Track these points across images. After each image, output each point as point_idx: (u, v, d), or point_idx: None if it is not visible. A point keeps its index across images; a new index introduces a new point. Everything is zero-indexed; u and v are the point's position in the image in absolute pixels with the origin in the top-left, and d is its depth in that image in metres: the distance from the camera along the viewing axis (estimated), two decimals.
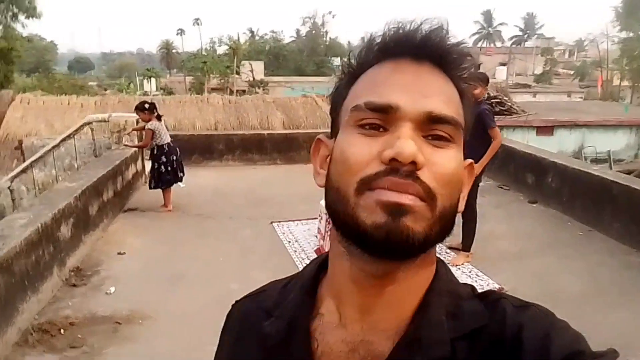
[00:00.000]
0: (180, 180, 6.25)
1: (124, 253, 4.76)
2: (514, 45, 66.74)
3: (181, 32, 60.52)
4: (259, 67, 44.41)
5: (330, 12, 62.12)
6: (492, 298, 0.56)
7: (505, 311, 0.53)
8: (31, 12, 21.87)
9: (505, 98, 14.96)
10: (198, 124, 11.14)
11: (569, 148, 13.85)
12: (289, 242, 5.13)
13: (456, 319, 0.53)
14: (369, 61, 0.56)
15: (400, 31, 0.54)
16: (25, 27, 22.93)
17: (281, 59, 56.37)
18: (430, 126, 0.51)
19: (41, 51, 51.51)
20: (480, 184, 7.49)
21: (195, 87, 40.09)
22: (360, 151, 0.51)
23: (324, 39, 62.85)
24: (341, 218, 0.51)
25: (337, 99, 0.59)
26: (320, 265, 0.62)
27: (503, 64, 47.18)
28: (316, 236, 5.03)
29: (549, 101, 24.35)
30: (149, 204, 6.26)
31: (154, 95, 38.01)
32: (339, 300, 0.57)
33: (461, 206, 0.55)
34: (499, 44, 71.13)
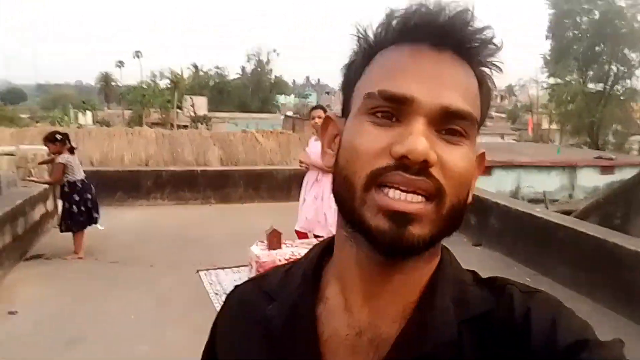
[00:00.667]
0: (95, 222, 5.54)
1: (16, 312, 4.00)
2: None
3: (120, 64, 59.11)
4: (202, 102, 43.71)
5: (274, 50, 62.60)
6: (498, 284, 0.55)
7: (513, 296, 0.52)
8: None
9: None
10: (127, 158, 10.33)
11: (507, 188, 14.06)
12: (216, 293, 4.53)
13: (462, 304, 0.52)
14: (387, 40, 0.53)
15: (421, 12, 0.51)
16: None
17: (225, 94, 55.99)
18: (445, 121, 0.49)
19: None
20: None
21: (134, 120, 38.79)
22: (371, 142, 0.49)
23: (269, 76, 63.22)
24: (347, 209, 0.51)
25: (350, 77, 0.56)
26: (324, 249, 0.61)
27: None
28: None
29: (484, 142, 25.20)
30: (58, 250, 5.49)
31: (88, 127, 36.36)
32: (343, 285, 0.56)
33: (470, 198, 0.54)
34: None
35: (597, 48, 29.17)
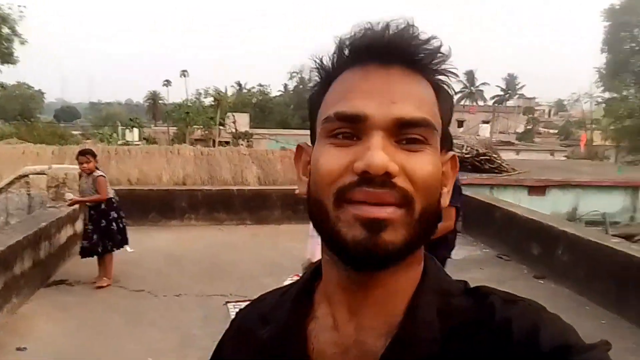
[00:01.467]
0: (127, 243, 5.21)
1: (25, 348, 3.63)
2: (496, 104, 68.09)
3: (167, 83, 60.77)
4: (244, 119, 44.08)
5: None
6: (481, 293, 0.55)
7: (494, 306, 0.52)
8: (6, 59, 21.19)
9: (494, 155, 14.31)
10: (165, 177, 10.13)
11: (563, 209, 13.06)
12: None
13: (446, 317, 0.53)
14: (340, 66, 0.56)
15: (367, 34, 0.54)
16: (0, 72, 22.20)
17: (267, 111, 56.45)
18: (402, 131, 0.51)
19: (26, 99, 50.90)
20: (478, 253, 6.55)
21: (179, 137, 39.49)
22: (333, 162, 0.51)
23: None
24: (323, 231, 0.52)
25: (312, 106, 0.59)
26: (316, 270, 0.62)
27: (486, 122, 47.69)
28: None
29: (534, 159, 23.96)
30: (82, 276, 5.17)
31: (135, 144, 37.27)
32: (331, 303, 0.58)
33: (444, 201, 0.55)
34: (481, 103, 72.70)
35: None
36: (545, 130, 55.24)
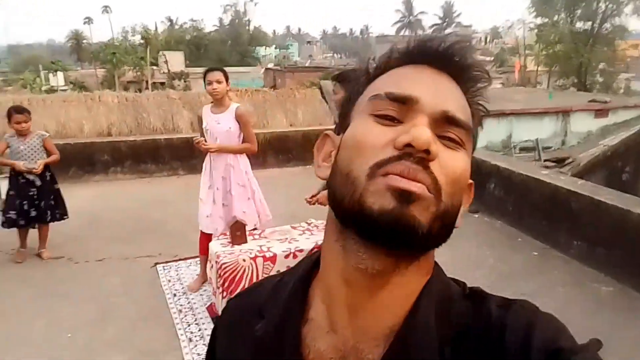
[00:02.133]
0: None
1: None
2: (434, 33, 68.04)
3: (89, 20, 56.16)
4: (179, 58, 41.90)
5: (252, 0, 59.88)
6: (478, 298, 0.55)
7: (490, 312, 0.53)
8: None
9: None
10: (87, 128, 9.38)
11: (498, 138, 13.39)
12: (174, 295, 3.82)
13: (444, 323, 0.52)
14: (390, 64, 0.57)
15: (424, 41, 0.56)
16: None
17: (203, 49, 53.84)
18: (445, 126, 0.51)
19: None
20: None
21: (108, 80, 37.22)
22: (376, 136, 0.51)
23: (247, 27, 60.85)
24: (346, 204, 0.51)
25: (351, 95, 0.59)
26: (315, 262, 0.60)
27: None
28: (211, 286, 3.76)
29: None
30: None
31: (61, 89, 34.83)
32: (329, 301, 0.56)
33: (459, 221, 0.54)
34: (420, 32, 72.54)
35: None
36: (482, 58, 56.13)
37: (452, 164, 0.50)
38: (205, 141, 3.68)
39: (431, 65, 0.54)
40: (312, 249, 3.35)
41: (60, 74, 39.62)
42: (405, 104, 0.51)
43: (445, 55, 0.54)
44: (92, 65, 45.46)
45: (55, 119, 9.33)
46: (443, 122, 0.51)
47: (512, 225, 5.01)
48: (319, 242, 3.48)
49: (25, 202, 4.34)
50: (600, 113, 14.28)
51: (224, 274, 3.15)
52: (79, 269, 4.30)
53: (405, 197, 0.47)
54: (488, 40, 72.14)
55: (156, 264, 4.35)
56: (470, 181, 0.57)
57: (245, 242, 3.41)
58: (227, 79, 3.60)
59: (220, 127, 3.61)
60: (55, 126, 9.26)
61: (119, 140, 7.81)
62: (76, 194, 6.40)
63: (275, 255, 3.26)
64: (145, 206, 5.96)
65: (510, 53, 44.17)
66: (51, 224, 4.53)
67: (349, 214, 0.50)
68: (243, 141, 3.71)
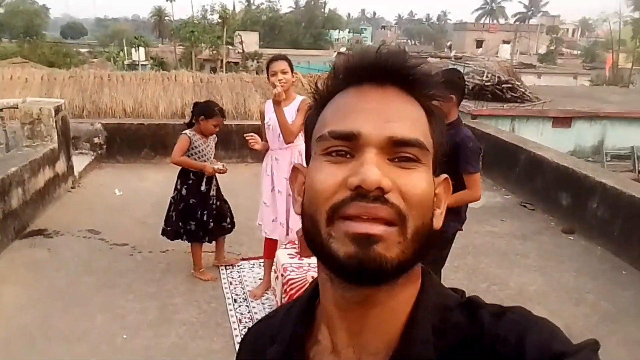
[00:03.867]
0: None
1: None
2: (517, 23, 64.58)
3: None
4: (253, 38, 42.38)
5: None
6: (472, 307, 0.55)
7: (483, 322, 0.53)
8: None
9: (517, 83, 13.28)
10: (162, 107, 9.46)
11: (588, 142, 12.27)
12: (235, 300, 3.58)
13: (442, 334, 0.53)
14: (335, 88, 0.57)
15: (362, 57, 0.56)
16: None
17: (277, 30, 54.20)
18: (395, 149, 0.52)
19: (31, 15, 49.03)
20: (498, 199, 5.95)
21: (186, 57, 38.27)
22: (328, 178, 0.52)
23: (322, 10, 60.47)
24: (317, 247, 0.52)
25: (308, 127, 0.60)
26: (316, 288, 0.61)
27: (506, 42, 45.33)
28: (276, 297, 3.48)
29: (556, 84, 22.64)
30: (63, 225, 4.70)
31: (142, 64, 36.22)
32: (330, 325, 0.57)
33: (437, 223, 0.55)
34: (502, 21, 69.25)
35: None
36: (569, 51, 52.59)
37: (411, 186, 0.51)
38: (262, 139, 3.39)
39: (371, 83, 0.55)
40: None
41: (142, 50, 41.23)
42: (349, 139, 0.52)
43: (385, 69, 0.54)
44: (171, 41, 46.92)
45: (133, 97, 9.48)
46: (392, 147, 0.52)
47: (617, 254, 4.37)
48: None
49: (205, 212, 3.77)
50: None
51: (290, 290, 2.85)
52: (143, 260, 4.16)
53: (366, 241, 0.48)
54: (576, 32, 67.57)
55: (219, 264, 4.13)
56: (444, 176, 0.58)
57: None
58: (292, 68, 3.21)
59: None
60: (132, 104, 9.42)
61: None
62: (147, 176, 6.39)
63: None
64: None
65: (602, 48, 40.97)
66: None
67: (319, 254, 0.52)
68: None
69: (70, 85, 9.56)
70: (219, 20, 40.53)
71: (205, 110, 3.62)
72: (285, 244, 3.29)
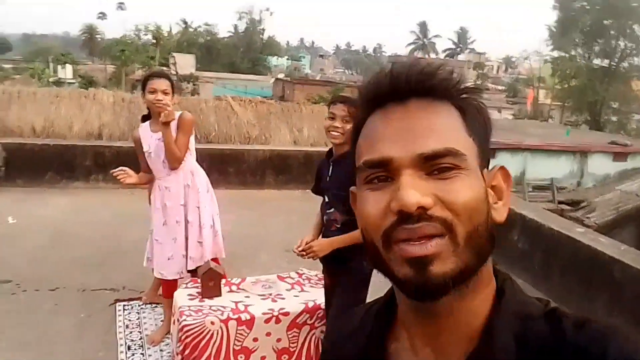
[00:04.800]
0: None
1: None
2: (447, 58, 67.98)
3: (103, 16, 56.03)
4: (189, 60, 41.60)
5: (267, 9, 59.72)
6: (555, 317, 0.55)
7: (565, 332, 0.52)
8: None
9: None
10: (76, 127, 8.77)
11: (511, 173, 12.77)
12: (129, 347, 3.14)
13: (523, 342, 0.52)
14: (365, 113, 0.60)
15: (380, 78, 0.58)
16: None
17: (215, 53, 53.68)
18: (429, 164, 0.53)
19: None
20: None
21: (117, 77, 36.96)
22: (373, 208, 0.54)
23: (261, 36, 60.73)
24: (381, 268, 0.55)
25: (352, 149, 0.62)
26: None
27: None
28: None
29: None
30: None
31: (68, 82, 34.51)
32: (407, 328, 0.60)
33: (499, 216, 0.56)
34: (433, 56, 72.54)
35: (605, 22, 27.71)
36: (494, 86, 55.78)
37: (453, 195, 0.51)
38: (147, 168, 3.04)
39: (393, 102, 0.56)
40: (300, 313, 2.68)
41: (69, 67, 39.50)
42: (383, 166, 0.54)
43: (402, 85, 0.55)
44: (102, 60, 45.20)
45: (44, 115, 8.74)
46: (424, 162, 0.53)
47: (537, 287, 4.33)
48: (310, 304, 2.82)
49: None
50: (619, 156, 13.65)
51: (186, 338, 2.48)
52: (27, 300, 3.63)
53: (421, 263, 0.50)
54: (501, 69, 71.96)
55: (116, 301, 3.68)
56: (500, 165, 0.59)
57: (219, 294, 2.75)
58: (173, 91, 2.91)
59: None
60: (43, 122, 8.68)
61: (103, 144, 7.19)
62: (50, 202, 5.79)
63: (253, 318, 2.60)
64: (123, 222, 5.29)
65: (524, 84, 43.70)
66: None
67: (384, 274, 0.55)
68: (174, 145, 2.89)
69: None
70: (153, 41, 39.61)
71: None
72: (187, 283, 2.92)
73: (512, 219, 4.75)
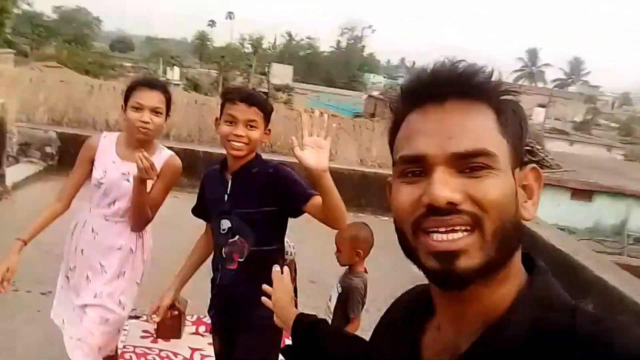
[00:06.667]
0: None
1: None
2: (555, 88, 63.81)
3: (212, 23, 59.27)
4: (287, 71, 42.76)
5: (370, 27, 59.95)
6: (574, 311, 0.56)
7: (579, 324, 0.54)
8: None
9: (537, 146, 12.37)
10: None
11: (609, 220, 11.26)
12: None
13: (539, 329, 0.55)
14: (404, 111, 0.64)
15: (420, 77, 0.62)
16: None
17: (314, 66, 54.71)
18: (462, 162, 0.57)
19: (81, 24, 51.27)
20: None
21: (217, 81, 38.83)
22: (406, 199, 0.59)
23: (361, 53, 61.04)
24: (409, 255, 0.61)
25: (390, 144, 0.68)
26: None
27: (542, 106, 44.48)
28: None
29: (588, 155, 21.61)
30: None
31: (174, 84, 36.81)
32: (437, 309, 0.66)
33: (527, 214, 0.60)
34: (540, 84, 68.58)
35: None
36: (606, 123, 51.43)
37: (483, 193, 0.55)
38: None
39: (432, 101, 0.60)
40: None
41: (176, 69, 42.12)
42: (418, 162, 0.59)
43: (440, 85, 0.59)
44: (207, 65, 47.82)
45: (118, 111, 8.98)
46: (457, 161, 0.56)
47: None
48: None
49: None
50: None
51: None
52: (16, 306, 3.41)
53: (447, 257, 0.55)
54: (616, 105, 66.37)
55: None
56: (532, 165, 0.62)
57: (178, 336, 2.28)
58: (168, 109, 2.05)
59: (130, 186, 1.97)
60: (117, 117, 8.92)
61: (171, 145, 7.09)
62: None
63: None
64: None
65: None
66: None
67: (413, 261, 0.60)
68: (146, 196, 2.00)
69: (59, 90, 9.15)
70: (252, 50, 41.23)
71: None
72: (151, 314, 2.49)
73: (588, 279, 3.85)
